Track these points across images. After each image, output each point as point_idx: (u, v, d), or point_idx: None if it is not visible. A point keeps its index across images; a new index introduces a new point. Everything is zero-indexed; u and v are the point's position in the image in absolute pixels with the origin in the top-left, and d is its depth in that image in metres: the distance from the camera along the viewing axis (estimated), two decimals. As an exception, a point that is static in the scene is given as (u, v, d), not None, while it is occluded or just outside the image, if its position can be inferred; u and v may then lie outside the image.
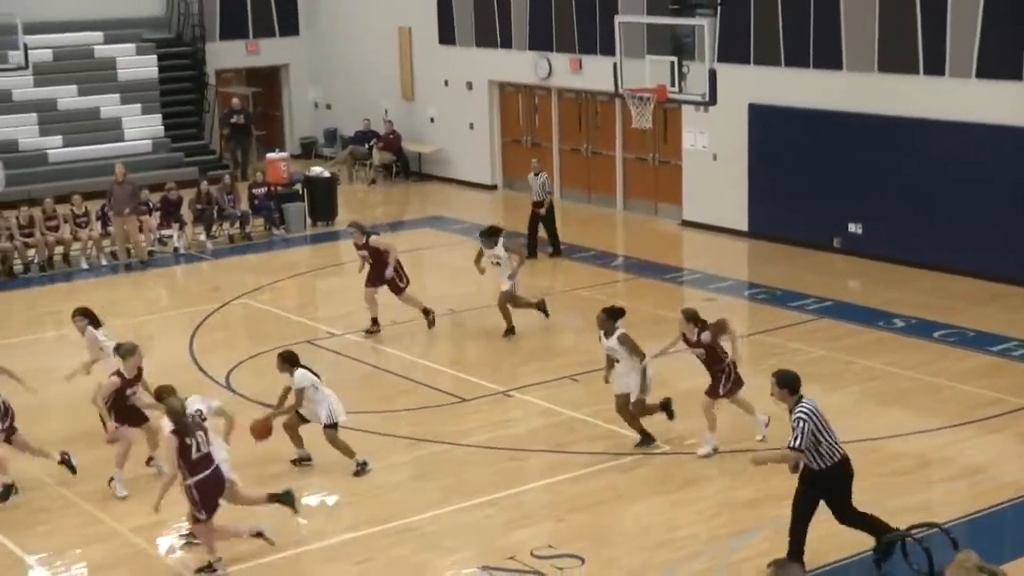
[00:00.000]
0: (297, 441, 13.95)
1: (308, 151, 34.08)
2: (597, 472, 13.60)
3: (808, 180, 22.92)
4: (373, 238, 18.69)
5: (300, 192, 26.79)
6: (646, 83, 18.88)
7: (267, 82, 34.89)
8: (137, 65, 32.09)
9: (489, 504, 12.98)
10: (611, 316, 13.93)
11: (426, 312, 18.78)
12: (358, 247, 18.67)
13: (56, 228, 23.90)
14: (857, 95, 21.98)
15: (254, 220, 25.93)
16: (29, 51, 26.83)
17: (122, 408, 13.40)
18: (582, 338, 17.71)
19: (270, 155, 27.78)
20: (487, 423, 15.14)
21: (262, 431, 13.58)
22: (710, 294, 20.53)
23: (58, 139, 30.46)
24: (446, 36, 30.36)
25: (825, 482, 10.67)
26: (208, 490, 11.55)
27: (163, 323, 19.18)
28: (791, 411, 10.64)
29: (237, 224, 25.59)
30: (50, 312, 21.11)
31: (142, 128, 31.50)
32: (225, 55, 33.95)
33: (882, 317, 18.82)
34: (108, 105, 31.38)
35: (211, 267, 24.16)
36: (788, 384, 10.67)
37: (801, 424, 10.44)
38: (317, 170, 27.59)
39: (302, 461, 13.99)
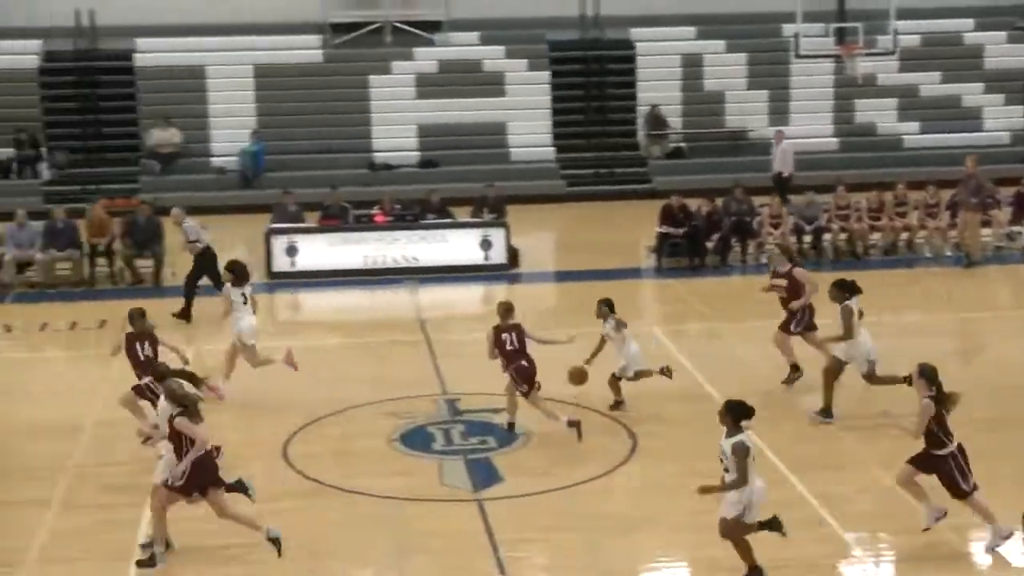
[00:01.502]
0: (616, 391, 15.16)
1: None
2: None
3: None
4: (799, 269, 16.15)
5: None
6: None
7: None
8: (1006, 54, 31.28)
9: None
10: (731, 411, 10.72)
11: (794, 368, 15.81)
12: (777, 275, 16.14)
13: (904, 214, 24.00)
14: None
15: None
16: (898, 36, 27.13)
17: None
18: None
19: None
20: None
21: (579, 376, 14.74)
22: None
23: (915, 125, 30.65)
24: None
25: None
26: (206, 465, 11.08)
27: (996, 322, 18.52)
28: None
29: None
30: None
31: (1003, 119, 30.75)
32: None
33: None
34: (970, 94, 30.97)
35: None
36: None
37: None
38: None
39: (618, 405, 15.10)
